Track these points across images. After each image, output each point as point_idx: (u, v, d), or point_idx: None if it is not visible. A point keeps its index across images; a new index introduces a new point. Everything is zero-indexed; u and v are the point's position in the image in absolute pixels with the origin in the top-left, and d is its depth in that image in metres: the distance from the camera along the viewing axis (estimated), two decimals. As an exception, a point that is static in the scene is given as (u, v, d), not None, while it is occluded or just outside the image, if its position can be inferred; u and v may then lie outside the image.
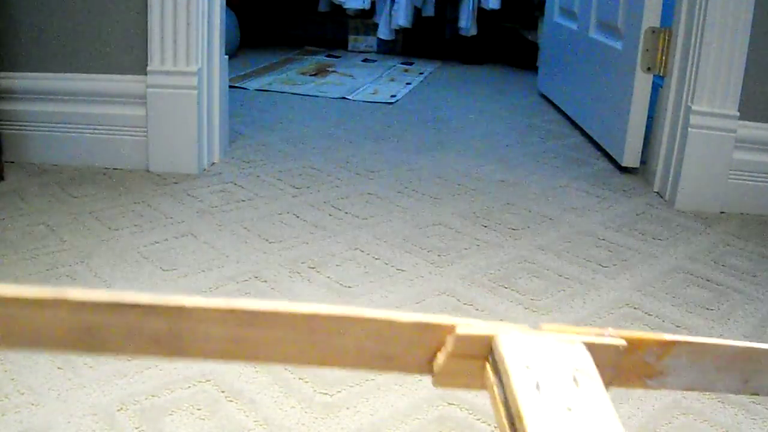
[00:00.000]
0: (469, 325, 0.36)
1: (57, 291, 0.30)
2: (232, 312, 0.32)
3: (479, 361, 0.36)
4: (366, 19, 3.70)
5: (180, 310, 0.31)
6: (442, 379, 0.36)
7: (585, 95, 2.33)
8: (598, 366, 0.35)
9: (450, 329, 0.36)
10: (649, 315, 1.22)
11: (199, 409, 0.91)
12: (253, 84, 2.80)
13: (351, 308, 0.34)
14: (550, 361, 0.35)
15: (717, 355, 0.39)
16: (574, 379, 0.34)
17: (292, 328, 0.33)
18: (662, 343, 0.37)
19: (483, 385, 0.37)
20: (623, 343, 0.36)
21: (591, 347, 0.36)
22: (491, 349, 0.36)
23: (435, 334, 0.36)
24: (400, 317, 0.35)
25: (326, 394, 0.96)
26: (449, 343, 0.35)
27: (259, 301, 0.33)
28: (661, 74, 1.85)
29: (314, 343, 0.34)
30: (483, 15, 3.46)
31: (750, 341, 1.17)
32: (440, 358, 0.36)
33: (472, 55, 3.57)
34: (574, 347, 0.36)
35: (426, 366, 0.37)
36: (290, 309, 0.33)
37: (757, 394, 0.41)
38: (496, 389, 0.35)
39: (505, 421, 0.34)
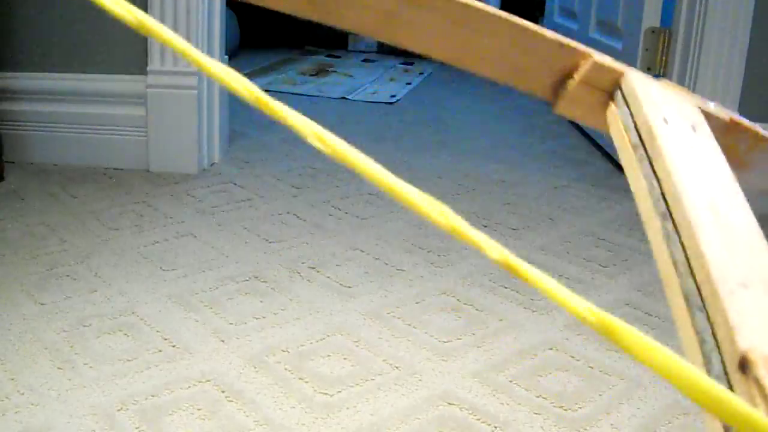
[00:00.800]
0: (603, 57, 0.36)
1: None
2: None
3: (604, 95, 0.37)
4: (366, 19, 3.70)
5: None
6: (564, 105, 0.37)
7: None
8: None
9: (586, 56, 0.36)
10: (649, 315, 1.22)
11: (199, 409, 0.91)
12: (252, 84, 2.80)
13: (501, 12, 0.34)
14: (673, 106, 0.35)
15: None
16: (693, 128, 0.34)
17: (449, 15, 0.33)
18: (757, 135, 0.38)
19: (601, 122, 0.37)
20: (727, 118, 0.36)
21: (702, 111, 0.36)
22: (619, 85, 0.36)
23: (570, 58, 0.36)
24: (545, 32, 0.35)
25: (326, 394, 0.96)
26: (584, 69, 0.36)
27: None
28: (661, 74, 1.85)
29: (460, 36, 0.34)
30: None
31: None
32: (572, 83, 0.36)
33: (472, 55, 3.57)
34: (691, 106, 0.36)
35: (550, 90, 0.37)
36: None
37: None
38: (620, 119, 0.35)
39: (630, 146, 0.34)
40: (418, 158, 1.98)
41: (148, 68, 1.71)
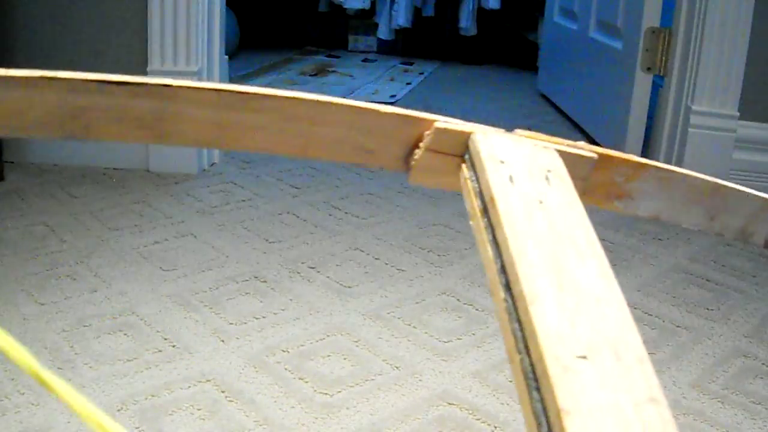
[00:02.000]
0: (447, 122, 0.36)
1: (44, 72, 0.29)
2: (218, 93, 0.31)
3: (456, 159, 0.36)
4: (366, 19, 3.70)
5: (167, 91, 0.31)
6: (418, 175, 0.37)
7: (585, 95, 2.33)
8: (570, 175, 0.35)
9: (429, 124, 0.36)
10: (649, 315, 1.22)
11: (199, 409, 0.91)
12: (253, 84, 2.80)
13: (335, 98, 0.34)
14: (524, 160, 0.34)
15: (685, 186, 0.39)
16: (546, 178, 0.34)
17: (277, 112, 0.33)
18: (633, 164, 0.37)
19: (456, 185, 0.37)
20: (594, 156, 0.36)
21: (564, 155, 0.35)
22: (467, 147, 0.36)
23: (415, 128, 0.36)
24: (383, 108, 0.35)
25: (326, 394, 0.96)
26: (429, 137, 0.35)
27: (244, 86, 0.33)
28: (661, 74, 1.85)
29: (298, 130, 0.34)
30: (483, 15, 3.46)
31: (750, 341, 1.16)
32: (418, 152, 0.36)
33: (472, 55, 3.57)
34: (548, 152, 0.35)
35: (402, 163, 0.37)
36: (275, 93, 0.33)
37: (722, 235, 0.42)
38: (470, 183, 0.35)
39: (478, 211, 0.34)
40: (418, 158, 1.98)
41: (148, 68, 1.70)
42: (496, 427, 0.92)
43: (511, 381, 1.01)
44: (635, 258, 1.44)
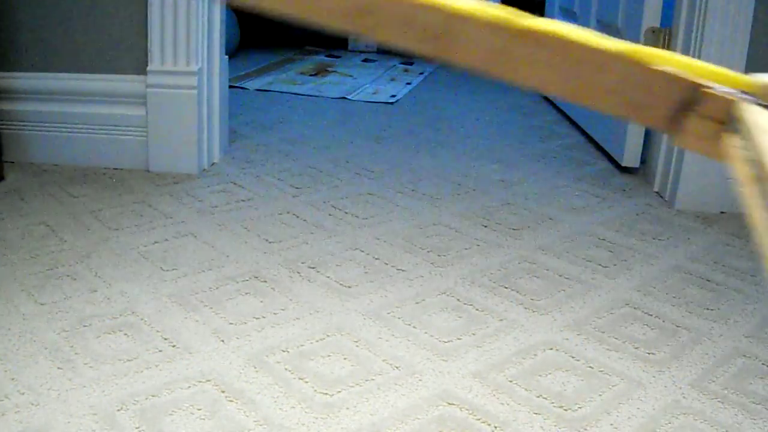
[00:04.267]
0: (713, 87, 0.35)
1: None
2: (507, 22, 0.32)
3: (719, 126, 0.36)
4: (366, 19, 3.70)
5: (458, 12, 0.31)
6: (685, 138, 0.36)
7: (585, 95, 2.32)
8: None
9: (700, 88, 0.35)
10: (649, 315, 1.22)
11: (199, 409, 0.91)
12: (253, 84, 2.80)
13: (621, 45, 0.34)
14: None
15: None
16: None
17: (561, 52, 0.33)
18: None
19: (718, 153, 0.36)
20: None
21: None
22: (734, 116, 0.35)
23: (683, 90, 0.35)
24: (659, 66, 0.35)
25: (326, 394, 0.96)
26: (704, 103, 0.35)
27: (535, 19, 0.33)
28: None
29: (576, 74, 0.34)
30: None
31: (751, 341, 1.16)
32: (691, 116, 0.35)
33: (472, 55, 3.57)
34: None
35: (667, 122, 0.36)
36: (564, 32, 0.33)
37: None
38: (740, 151, 0.34)
39: (749, 179, 0.33)
40: (418, 158, 1.98)
41: (148, 68, 1.71)
42: (496, 427, 0.92)
43: (511, 381, 1.01)
44: (635, 258, 1.44)
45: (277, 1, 0.32)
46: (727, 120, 0.36)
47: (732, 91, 0.35)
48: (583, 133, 2.32)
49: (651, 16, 1.85)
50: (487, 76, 0.34)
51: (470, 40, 0.33)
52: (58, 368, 0.98)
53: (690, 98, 0.36)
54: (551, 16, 2.77)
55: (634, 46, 0.34)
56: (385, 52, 3.72)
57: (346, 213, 1.57)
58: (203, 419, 0.89)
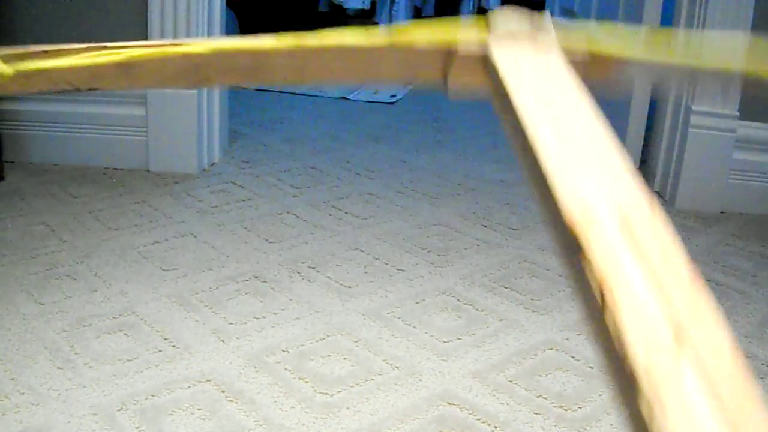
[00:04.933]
0: (469, 45, 0.41)
1: (172, 40, 0.41)
2: (299, 47, 0.40)
3: (478, 68, 0.41)
4: (366, 19, 3.70)
5: (261, 49, 0.40)
6: (453, 89, 0.42)
7: (585, 95, 2.33)
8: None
9: (452, 49, 0.41)
10: (649, 315, 1.22)
11: (199, 409, 0.91)
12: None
13: (384, 35, 0.41)
14: (536, 69, 0.39)
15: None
16: (557, 89, 0.38)
17: (344, 55, 0.41)
18: (612, 57, 0.43)
19: (479, 83, 0.42)
20: (586, 57, 0.42)
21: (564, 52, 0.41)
22: (485, 58, 0.40)
23: (443, 53, 0.41)
24: (420, 41, 0.41)
25: (326, 394, 0.96)
26: (456, 62, 0.41)
27: (316, 37, 0.41)
28: (661, 74, 1.85)
29: (362, 66, 0.42)
30: (483, 15, 3.46)
31: (750, 341, 1.16)
32: (450, 74, 0.41)
33: (472, 55, 3.57)
34: (548, 57, 0.40)
35: (440, 79, 0.42)
36: (341, 40, 0.41)
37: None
38: (493, 87, 0.40)
39: (501, 108, 0.39)
40: (418, 158, 1.98)
41: (148, 68, 1.70)
42: (496, 427, 0.92)
43: (511, 381, 1.01)
44: (635, 258, 1.44)
45: (116, 80, 0.42)
46: (483, 64, 0.41)
47: (475, 46, 0.41)
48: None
49: (651, 16, 1.85)
50: (297, 84, 0.43)
51: (277, 66, 0.42)
52: (58, 368, 0.98)
53: (448, 57, 0.42)
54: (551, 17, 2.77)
55: (392, 32, 0.42)
56: (385, 52, 3.72)
57: (346, 213, 1.57)
58: (203, 419, 0.89)
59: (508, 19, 0.42)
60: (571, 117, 0.36)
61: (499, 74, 0.39)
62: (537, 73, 0.39)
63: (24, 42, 1.56)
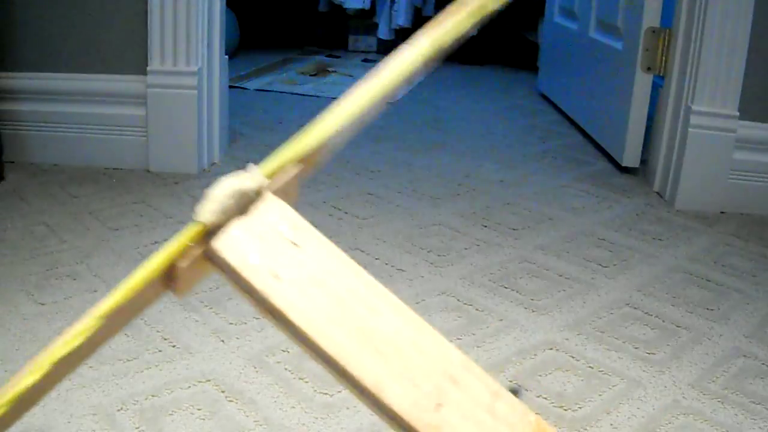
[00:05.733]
0: (183, 247, 0.38)
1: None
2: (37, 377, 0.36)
3: (204, 265, 0.39)
4: (366, 19, 3.70)
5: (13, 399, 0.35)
6: (183, 292, 0.39)
7: (585, 95, 2.33)
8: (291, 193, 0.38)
9: (173, 267, 0.38)
10: (649, 315, 1.22)
11: (199, 409, 0.91)
12: (253, 84, 2.80)
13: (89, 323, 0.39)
14: (265, 241, 0.37)
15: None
16: (293, 243, 0.37)
17: (78, 353, 0.38)
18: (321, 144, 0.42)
19: (209, 273, 0.40)
20: (294, 170, 0.40)
21: (280, 191, 0.39)
22: (208, 254, 0.38)
23: (160, 279, 0.39)
24: (121, 298, 0.40)
25: (326, 394, 0.96)
26: (180, 279, 0.38)
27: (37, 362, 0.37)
28: (661, 74, 1.85)
29: (96, 344, 0.39)
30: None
31: (750, 341, 1.16)
32: (176, 285, 0.38)
33: (472, 55, 3.57)
34: (276, 205, 0.38)
35: (163, 289, 0.39)
36: (51, 360, 0.37)
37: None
38: (240, 288, 0.38)
39: (264, 312, 0.37)
40: (418, 158, 1.98)
41: (148, 68, 1.70)
42: (496, 427, 0.92)
43: (511, 381, 1.01)
44: (635, 258, 1.44)
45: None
46: (206, 254, 0.39)
47: (196, 250, 0.38)
48: (583, 133, 2.32)
49: (651, 16, 1.85)
50: None
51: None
52: (58, 368, 0.98)
53: (171, 275, 0.38)
54: (551, 16, 2.77)
55: (105, 307, 0.40)
56: (385, 52, 3.72)
57: (346, 213, 1.57)
58: (203, 419, 0.89)
59: (216, 208, 0.39)
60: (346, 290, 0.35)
61: (236, 272, 0.37)
62: (266, 249, 0.37)
63: (20, 38, 1.54)
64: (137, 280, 0.38)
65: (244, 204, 0.39)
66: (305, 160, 0.41)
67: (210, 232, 0.39)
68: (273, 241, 0.37)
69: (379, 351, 0.32)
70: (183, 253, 0.38)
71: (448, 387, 0.31)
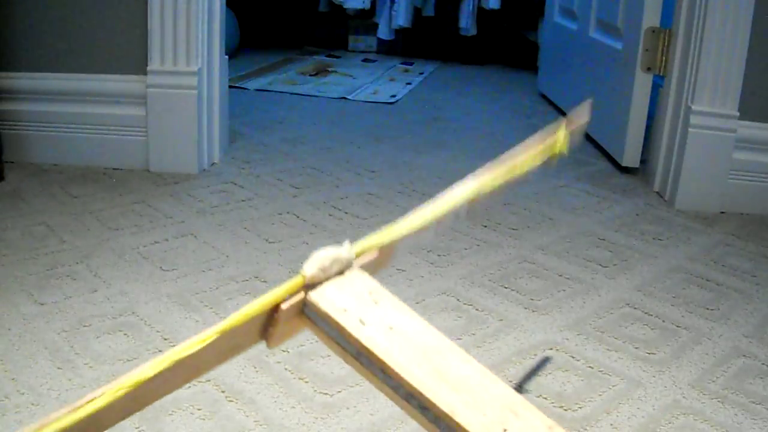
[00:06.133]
0: (288, 300, 0.45)
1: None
2: (132, 387, 0.40)
3: (297, 317, 0.46)
4: (366, 19, 3.70)
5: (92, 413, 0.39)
6: (276, 341, 0.46)
7: (585, 95, 2.32)
8: (370, 273, 0.46)
9: (277, 308, 0.45)
10: (649, 315, 1.22)
11: (199, 409, 0.91)
12: (253, 84, 2.80)
13: (207, 335, 0.43)
14: (353, 297, 0.45)
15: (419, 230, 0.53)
16: (375, 302, 0.44)
17: (171, 371, 0.42)
18: (393, 242, 0.51)
19: (305, 329, 0.47)
20: (375, 254, 0.50)
21: (366, 267, 0.47)
22: (306, 304, 0.45)
23: (267, 315, 0.45)
24: (236, 321, 0.44)
25: (326, 394, 0.96)
26: (282, 315, 0.45)
27: (144, 369, 0.41)
28: (661, 74, 1.85)
29: (188, 369, 0.43)
30: (483, 15, 3.46)
31: (750, 341, 1.16)
32: (274, 331, 0.45)
33: (472, 55, 3.57)
34: (359, 276, 0.47)
35: (258, 338, 0.46)
36: (168, 361, 0.41)
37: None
38: (326, 336, 0.44)
39: (350, 357, 0.43)
40: (418, 158, 1.98)
41: (148, 68, 1.71)
42: (496, 427, 0.92)
43: (511, 381, 1.01)
44: (635, 258, 1.44)
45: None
46: (301, 308, 0.46)
47: (296, 297, 0.45)
48: (583, 133, 2.32)
49: (651, 16, 1.85)
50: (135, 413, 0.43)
51: (111, 415, 0.40)
52: (58, 368, 0.98)
53: (272, 317, 0.45)
54: (551, 16, 2.77)
55: (222, 325, 0.44)
56: (385, 52, 3.72)
57: (346, 213, 1.57)
58: (203, 419, 0.89)
59: (316, 266, 0.47)
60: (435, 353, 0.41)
61: (330, 320, 0.43)
62: (362, 311, 0.44)
63: (20, 38, 1.55)
64: (245, 313, 0.44)
65: (338, 269, 0.47)
66: (381, 250, 0.50)
67: (309, 286, 0.46)
68: (359, 298, 0.45)
69: (452, 386, 0.38)
70: (285, 298, 0.45)
71: (510, 418, 0.36)
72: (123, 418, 0.42)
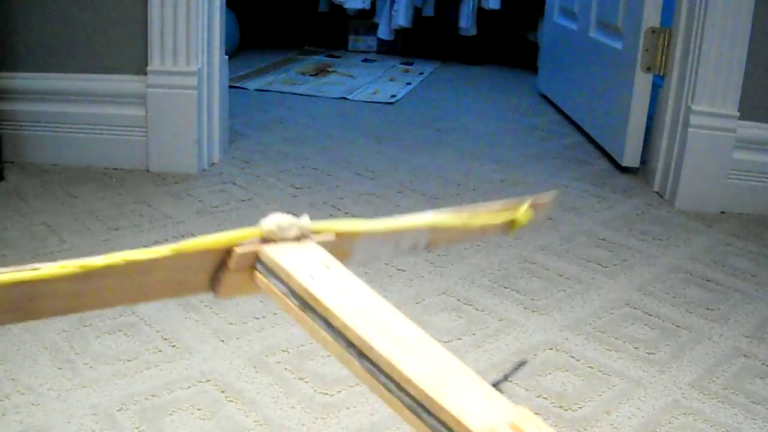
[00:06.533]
0: (243, 245, 0.46)
1: None
2: (76, 272, 0.40)
3: (249, 271, 0.47)
4: (366, 19, 3.70)
5: (36, 278, 0.39)
6: (224, 291, 0.47)
7: (585, 95, 2.33)
8: (333, 255, 0.47)
9: (230, 251, 0.46)
10: (649, 315, 1.22)
11: (199, 409, 0.91)
12: (253, 84, 2.80)
13: (161, 249, 0.44)
14: (305, 260, 0.46)
15: (378, 235, 0.54)
16: (327, 267, 0.45)
17: (120, 275, 0.43)
18: (351, 234, 0.51)
19: (255, 289, 0.47)
20: (332, 237, 0.50)
21: (322, 244, 0.48)
22: (259, 259, 0.46)
23: (217, 256, 0.46)
24: (191, 245, 0.46)
25: (326, 394, 0.96)
26: (233, 260, 0.46)
27: (93, 258, 0.41)
28: (661, 74, 1.85)
29: (137, 283, 0.44)
30: (483, 15, 3.46)
31: (751, 341, 1.16)
32: (225, 274, 0.46)
33: (472, 55, 3.57)
34: (314, 248, 0.48)
35: (207, 285, 0.47)
36: (119, 259, 0.42)
37: (403, 252, 0.56)
38: (275, 288, 0.45)
39: (295, 307, 0.44)
40: (418, 158, 1.98)
41: (148, 68, 1.70)
42: (496, 427, 0.92)
43: (511, 381, 1.01)
44: (635, 258, 1.44)
45: None
46: (253, 264, 0.46)
47: (251, 244, 0.46)
48: (583, 133, 2.32)
49: (651, 16, 1.85)
50: (74, 312, 0.43)
51: (51, 295, 0.40)
52: (58, 368, 0.98)
53: (223, 260, 0.46)
54: (551, 16, 2.77)
55: (177, 245, 0.45)
56: (385, 52, 3.72)
57: (346, 213, 1.57)
58: (203, 419, 0.89)
59: (274, 222, 0.48)
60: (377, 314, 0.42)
61: (281, 271, 0.44)
62: (308, 266, 0.45)
63: (20, 38, 1.54)
64: (200, 242, 0.46)
65: (295, 235, 0.48)
66: (339, 236, 0.50)
67: (264, 240, 0.47)
68: (312, 262, 0.45)
69: (394, 341, 0.39)
70: (239, 243, 0.46)
71: (449, 377, 0.37)
72: (60, 312, 0.41)
